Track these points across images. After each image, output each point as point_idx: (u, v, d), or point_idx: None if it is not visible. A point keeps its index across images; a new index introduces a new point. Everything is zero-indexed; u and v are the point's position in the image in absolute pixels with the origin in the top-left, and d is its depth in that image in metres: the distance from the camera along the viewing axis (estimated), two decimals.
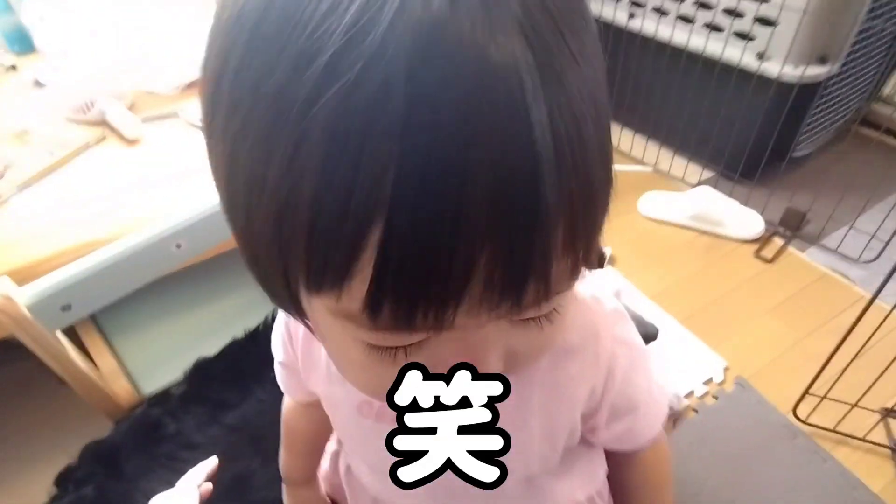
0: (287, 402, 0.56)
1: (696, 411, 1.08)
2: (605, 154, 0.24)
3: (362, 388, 0.30)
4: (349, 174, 0.20)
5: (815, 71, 1.31)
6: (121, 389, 0.82)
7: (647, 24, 1.54)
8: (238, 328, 0.92)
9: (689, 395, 1.10)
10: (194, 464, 0.74)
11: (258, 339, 0.90)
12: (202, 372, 0.86)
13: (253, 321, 0.93)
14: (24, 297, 0.60)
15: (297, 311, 0.27)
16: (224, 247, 0.92)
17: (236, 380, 0.85)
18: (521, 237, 0.21)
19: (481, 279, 0.21)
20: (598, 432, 0.42)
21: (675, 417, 1.07)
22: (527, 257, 0.21)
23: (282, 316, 0.46)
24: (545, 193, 0.20)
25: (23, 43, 1.28)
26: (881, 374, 0.95)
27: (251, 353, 0.89)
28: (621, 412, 0.41)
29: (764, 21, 1.32)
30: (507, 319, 0.25)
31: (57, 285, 0.63)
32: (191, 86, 1.11)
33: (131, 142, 0.97)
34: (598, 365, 0.38)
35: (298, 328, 0.43)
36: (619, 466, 0.49)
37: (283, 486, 0.62)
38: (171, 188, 0.87)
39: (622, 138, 1.77)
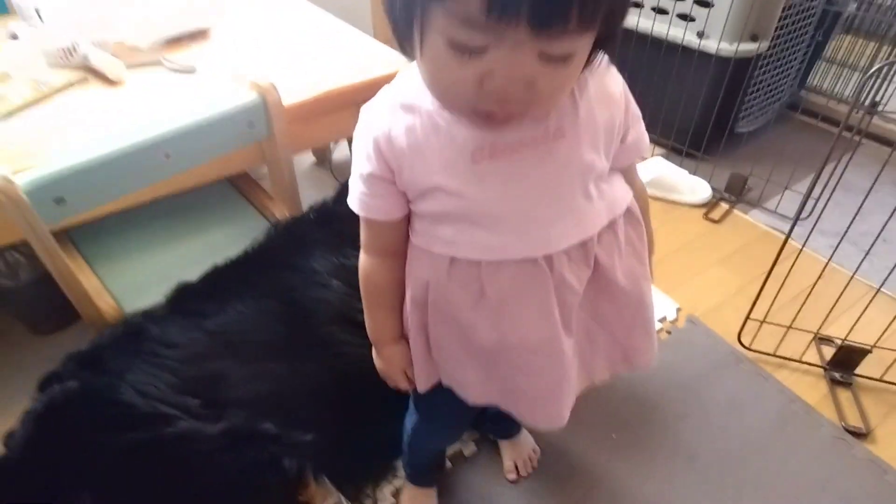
0: (364, 264, 0.60)
1: None
2: None
3: (443, 90, 0.44)
4: None
5: (748, 47, 1.46)
6: (105, 306, 0.85)
7: None
8: (220, 258, 0.95)
9: None
10: (175, 361, 0.78)
11: (239, 266, 0.94)
12: (183, 293, 0.89)
13: (236, 251, 0.96)
14: (21, 181, 0.64)
15: (419, 36, 0.41)
16: (207, 175, 0.97)
17: (216, 296, 0.88)
18: None
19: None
20: (627, 136, 0.55)
21: None
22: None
23: (370, 138, 0.51)
24: None
25: None
26: (806, 299, 1.06)
27: (232, 276, 0.92)
28: (635, 117, 0.56)
29: (702, 3, 1.47)
30: (540, 56, 0.39)
31: (51, 175, 0.66)
32: (171, 41, 1.16)
33: (115, 83, 1.01)
34: (618, 78, 0.54)
35: (402, 138, 0.50)
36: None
37: (374, 351, 0.67)
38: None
39: None
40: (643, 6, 1.59)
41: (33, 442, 0.70)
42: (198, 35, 1.20)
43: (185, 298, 0.89)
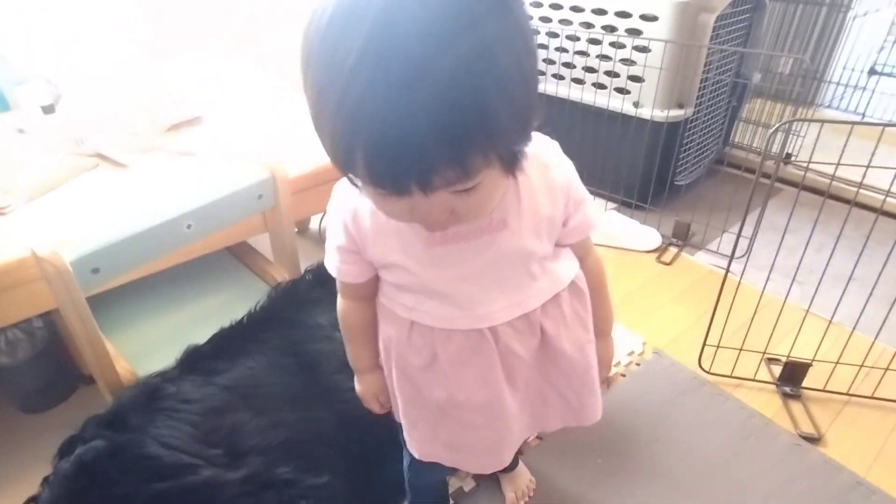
0: (341, 306, 0.70)
1: (623, 376, 1.28)
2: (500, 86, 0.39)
3: (384, 213, 0.50)
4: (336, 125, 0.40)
5: (677, 113, 1.70)
6: (122, 370, 0.90)
7: (548, 87, 1.91)
8: (225, 320, 1.03)
9: (617, 364, 1.30)
10: (194, 415, 0.83)
11: (245, 327, 1.02)
12: (193, 354, 0.95)
13: (239, 314, 1.04)
14: (66, 254, 0.72)
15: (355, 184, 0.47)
16: (214, 244, 1.06)
17: (225, 356, 0.95)
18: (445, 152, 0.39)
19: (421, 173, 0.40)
20: (570, 221, 0.61)
21: (608, 382, 1.26)
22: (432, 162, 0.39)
23: (340, 215, 0.60)
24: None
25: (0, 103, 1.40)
26: (750, 325, 1.21)
27: (238, 337, 0.99)
28: (579, 203, 0.62)
29: (634, 78, 1.71)
30: (452, 192, 0.44)
31: (90, 248, 0.75)
32: (172, 127, 1.28)
33: (123, 166, 1.11)
34: (563, 168, 0.60)
35: (366, 219, 0.58)
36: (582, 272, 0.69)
37: (355, 377, 0.77)
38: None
39: None
40: (585, 83, 1.83)
41: (64, 501, 0.73)
42: (193, 121, 1.33)
43: (196, 359, 0.95)
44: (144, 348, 0.99)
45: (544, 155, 0.59)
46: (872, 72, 2.82)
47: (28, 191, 0.99)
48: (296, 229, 1.82)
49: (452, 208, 0.46)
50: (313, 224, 1.82)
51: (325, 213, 1.77)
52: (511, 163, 0.46)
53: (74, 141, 1.14)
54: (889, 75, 2.73)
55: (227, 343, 0.98)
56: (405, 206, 0.45)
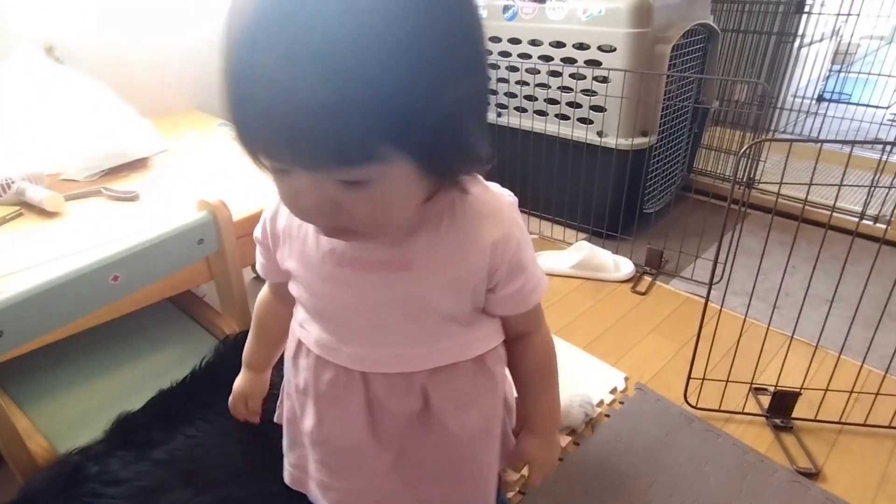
0: (262, 294, 0.69)
1: (608, 416, 1.20)
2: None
3: (288, 207, 0.45)
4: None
5: (641, 141, 1.69)
6: (37, 447, 0.77)
7: (511, 119, 1.89)
8: (166, 382, 0.91)
9: (600, 403, 1.22)
10: (121, 499, 0.71)
11: (187, 387, 0.90)
12: (125, 424, 0.83)
13: (183, 373, 0.93)
14: None
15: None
16: (151, 296, 0.95)
17: (163, 424, 0.83)
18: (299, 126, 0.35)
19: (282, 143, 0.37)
20: (498, 288, 0.54)
21: (592, 423, 1.17)
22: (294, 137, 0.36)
23: (267, 210, 0.60)
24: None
25: None
26: (735, 354, 1.15)
27: (179, 400, 0.88)
28: (516, 271, 0.53)
29: (597, 108, 1.71)
30: (339, 180, 0.39)
31: (30, 291, 0.64)
32: (110, 172, 1.18)
33: (53, 215, 1.00)
34: (501, 227, 0.51)
35: (282, 218, 0.57)
36: (518, 352, 0.62)
37: (242, 370, 0.76)
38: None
39: None
40: (548, 114, 1.82)
41: None
42: (138, 164, 1.23)
43: (128, 430, 0.83)
44: (70, 421, 0.86)
45: (486, 205, 0.51)
46: (821, 98, 2.93)
47: None
48: (253, 275, 1.71)
49: (338, 201, 0.40)
50: None
51: None
52: (427, 180, 0.42)
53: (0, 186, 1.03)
54: (836, 101, 2.85)
55: (166, 408, 0.86)
56: (290, 188, 0.41)
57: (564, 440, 1.13)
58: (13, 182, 1.02)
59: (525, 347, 0.61)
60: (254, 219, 1.06)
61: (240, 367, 0.92)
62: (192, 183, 1.16)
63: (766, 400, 1.20)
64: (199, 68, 1.70)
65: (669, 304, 1.59)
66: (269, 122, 0.36)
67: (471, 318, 0.55)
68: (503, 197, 0.54)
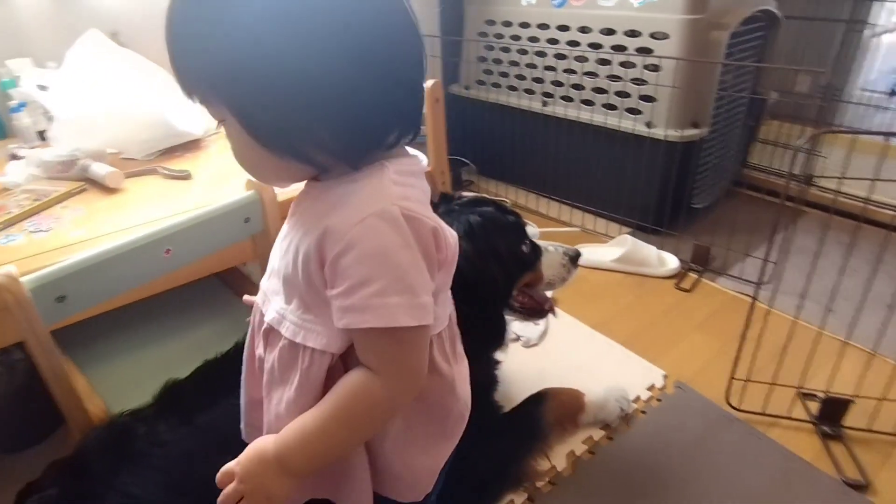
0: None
1: (644, 412, 1.17)
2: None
3: None
4: None
5: (691, 132, 1.63)
6: (94, 408, 0.82)
7: (557, 109, 1.86)
8: (213, 353, 0.95)
9: (637, 399, 1.20)
10: (164, 460, 0.75)
11: (231, 360, 0.94)
12: (172, 390, 0.88)
13: (225, 346, 0.96)
14: (25, 280, 0.65)
15: None
16: (199, 271, 1.00)
17: (207, 392, 0.87)
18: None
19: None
20: (328, 285, 0.49)
21: (627, 418, 1.15)
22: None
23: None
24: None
25: None
26: (782, 356, 1.10)
27: (224, 370, 0.91)
28: (343, 277, 0.47)
29: (646, 98, 1.65)
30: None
31: (54, 273, 0.68)
32: (163, 153, 1.24)
33: (114, 190, 1.06)
34: (344, 222, 0.47)
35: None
36: (347, 376, 0.52)
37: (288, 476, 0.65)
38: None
39: (550, 206, 2.02)
40: (595, 104, 1.77)
41: None
42: (191, 145, 1.28)
43: (175, 396, 0.87)
44: (123, 385, 0.91)
45: (357, 197, 0.48)
46: (893, 93, 2.74)
47: (14, 217, 0.94)
48: None
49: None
50: None
51: None
52: (258, 141, 0.47)
53: (63, 163, 1.09)
54: None
55: (210, 378, 0.90)
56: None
57: (598, 434, 1.12)
58: (79, 159, 1.09)
59: (355, 379, 0.50)
60: (291, 199, 1.09)
61: None
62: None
63: (814, 406, 1.15)
64: None
65: (714, 302, 1.53)
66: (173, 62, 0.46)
67: (311, 300, 0.51)
68: (383, 201, 0.47)
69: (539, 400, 1.11)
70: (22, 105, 1.31)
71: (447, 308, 0.60)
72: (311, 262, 0.49)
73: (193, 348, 0.98)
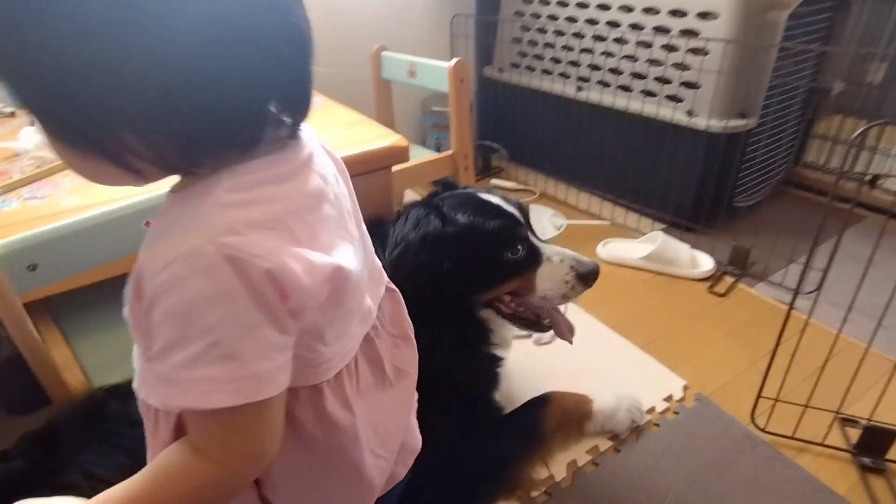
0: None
1: (657, 425, 1.08)
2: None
3: None
4: None
5: (737, 123, 1.49)
6: (73, 379, 0.81)
7: (592, 95, 1.75)
8: None
9: (651, 410, 1.11)
10: (135, 440, 0.73)
11: None
12: None
13: None
14: None
15: None
16: None
17: None
18: None
19: None
20: (150, 339, 0.40)
21: (638, 430, 1.06)
22: None
23: None
24: None
25: None
26: (820, 374, 0.98)
27: None
28: (161, 347, 0.38)
29: (689, 84, 1.52)
30: None
31: (25, 240, 0.66)
32: None
33: None
34: (155, 265, 0.37)
35: None
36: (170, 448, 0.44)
37: None
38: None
39: (580, 197, 1.92)
40: (633, 90, 1.65)
41: None
42: None
43: None
44: (110, 359, 0.90)
45: (174, 224, 0.39)
46: None
47: (13, 183, 0.94)
48: None
49: None
50: None
51: None
52: (59, 138, 0.37)
53: None
54: None
55: None
56: None
57: (604, 444, 1.04)
58: None
59: (174, 458, 0.42)
60: None
61: None
62: None
63: (854, 433, 1.03)
64: None
65: (750, 309, 1.40)
66: None
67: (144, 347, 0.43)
68: (198, 237, 0.37)
69: (542, 403, 1.04)
70: None
71: (350, 341, 0.50)
72: (132, 300, 0.41)
73: None
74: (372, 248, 0.59)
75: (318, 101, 1.41)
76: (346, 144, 1.10)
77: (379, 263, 0.60)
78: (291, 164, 0.44)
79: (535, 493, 0.95)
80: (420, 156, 1.56)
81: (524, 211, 0.95)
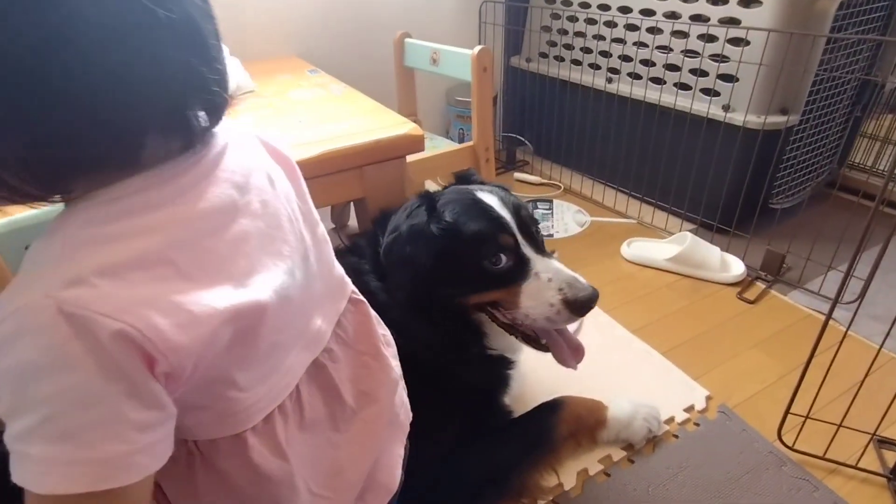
0: None
1: (676, 436, 1.02)
2: None
3: None
4: None
5: (777, 120, 1.40)
6: None
7: (623, 87, 1.67)
8: None
9: (670, 420, 1.05)
10: None
11: None
12: None
13: None
14: None
15: None
16: None
17: None
18: None
19: None
20: None
21: (654, 441, 1.01)
22: None
23: None
24: None
25: None
26: (856, 394, 0.91)
27: None
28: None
29: (726, 77, 1.44)
30: None
31: (22, 221, 0.65)
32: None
33: None
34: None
35: None
36: None
37: None
38: None
39: (607, 193, 1.85)
40: (665, 82, 1.57)
41: None
42: None
43: None
44: None
45: (22, 267, 0.34)
46: None
47: None
48: (331, 226, 1.72)
49: None
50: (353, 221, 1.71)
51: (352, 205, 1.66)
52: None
53: None
54: None
55: None
56: None
57: (618, 454, 0.99)
58: None
59: None
60: (310, 165, 1.02)
61: None
62: (267, 122, 1.15)
63: (891, 457, 0.95)
64: (304, 17, 1.70)
65: (783, 318, 1.32)
66: None
67: None
68: (34, 288, 0.32)
69: (554, 408, 0.99)
70: None
71: (283, 377, 0.44)
72: None
73: None
74: (331, 257, 0.53)
75: (338, 89, 1.38)
76: (360, 132, 1.07)
77: (341, 273, 0.54)
78: (185, 178, 0.37)
79: (542, 502, 0.91)
80: (442, 146, 1.52)
81: (523, 219, 0.86)
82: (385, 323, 0.74)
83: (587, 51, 1.78)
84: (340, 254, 0.97)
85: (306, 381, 0.46)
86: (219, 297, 0.35)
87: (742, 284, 1.43)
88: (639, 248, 1.57)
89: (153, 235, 0.34)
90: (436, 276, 0.81)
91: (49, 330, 0.30)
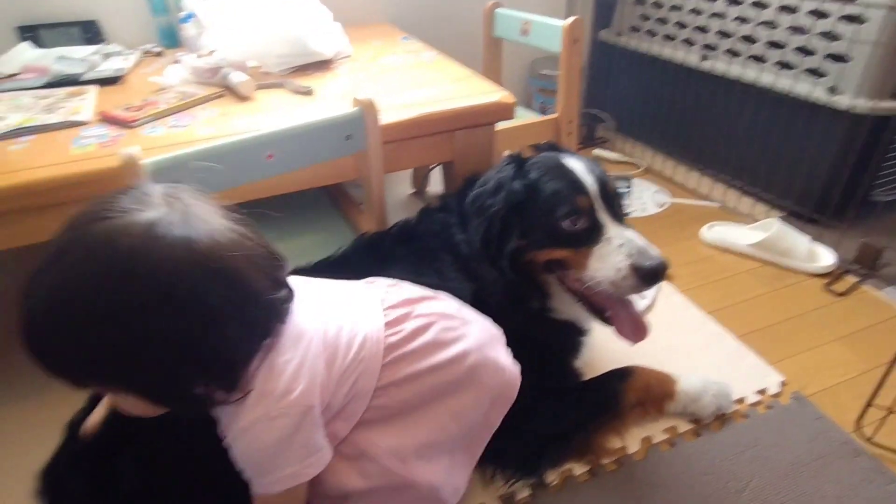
0: None
1: (746, 416, 1.02)
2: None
3: None
4: None
5: (890, 105, 1.31)
6: None
7: (718, 65, 1.61)
8: (303, 261, 1.00)
9: (741, 401, 1.05)
10: None
11: (319, 271, 0.98)
12: None
13: (318, 256, 1.00)
14: (146, 162, 0.73)
15: None
16: (305, 181, 1.04)
17: None
18: None
19: None
20: None
21: (723, 418, 1.02)
22: None
23: None
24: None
25: (171, 39, 1.55)
26: None
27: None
28: None
29: (835, 57, 1.36)
30: None
31: (170, 160, 0.76)
32: (298, 69, 1.30)
33: (245, 99, 1.14)
34: None
35: None
36: None
37: None
38: None
39: (690, 175, 1.80)
40: (766, 61, 1.50)
41: None
42: (322, 64, 1.33)
43: None
44: None
45: None
46: None
47: (151, 111, 1.06)
48: (412, 190, 1.79)
49: None
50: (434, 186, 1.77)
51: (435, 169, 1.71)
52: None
53: (210, 70, 1.20)
54: None
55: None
56: None
57: (684, 426, 1.01)
58: (222, 67, 1.18)
59: None
60: (403, 127, 1.08)
61: (366, 264, 0.97)
62: (363, 87, 1.22)
63: None
64: None
65: (873, 314, 1.27)
66: None
67: None
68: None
69: (623, 376, 1.02)
70: (189, 16, 1.45)
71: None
72: None
73: (293, 253, 1.04)
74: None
75: (429, 56, 1.42)
76: (453, 98, 1.12)
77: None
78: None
79: (605, 461, 0.95)
80: (523, 118, 1.54)
81: (605, 188, 0.89)
82: (465, 273, 0.83)
83: (682, 25, 1.72)
84: (430, 212, 1.04)
85: None
86: None
87: (831, 276, 1.37)
88: (720, 233, 1.53)
89: None
90: (511, 228, 0.87)
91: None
